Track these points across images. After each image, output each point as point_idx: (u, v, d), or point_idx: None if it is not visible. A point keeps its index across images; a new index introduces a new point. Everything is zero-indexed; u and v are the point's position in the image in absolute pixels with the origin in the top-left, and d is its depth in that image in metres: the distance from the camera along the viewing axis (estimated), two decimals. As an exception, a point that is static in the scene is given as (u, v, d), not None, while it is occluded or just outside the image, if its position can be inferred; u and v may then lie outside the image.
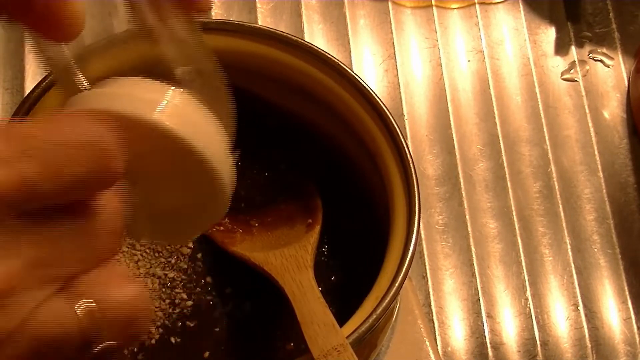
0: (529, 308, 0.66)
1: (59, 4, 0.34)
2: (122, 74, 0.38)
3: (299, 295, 0.49)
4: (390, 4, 0.75)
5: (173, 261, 0.56)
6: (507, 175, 0.70)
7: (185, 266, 0.56)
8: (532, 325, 0.65)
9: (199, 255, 0.57)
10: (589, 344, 0.65)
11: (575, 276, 0.67)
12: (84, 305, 0.30)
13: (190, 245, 0.57)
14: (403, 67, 0.73)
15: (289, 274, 0.51)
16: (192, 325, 0.55)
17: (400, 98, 0.72)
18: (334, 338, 0.46)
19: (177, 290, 0.56)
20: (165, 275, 0.56)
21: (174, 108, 0.35)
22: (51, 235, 0.30)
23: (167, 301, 0.55)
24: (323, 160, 0.60)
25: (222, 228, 0.56)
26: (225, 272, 0.57)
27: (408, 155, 0.52)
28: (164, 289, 0.55)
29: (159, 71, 0.38)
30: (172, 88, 0.36)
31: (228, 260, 0.55)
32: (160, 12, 0.38)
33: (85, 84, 0.37)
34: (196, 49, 0.39)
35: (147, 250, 0.56)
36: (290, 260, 0.52)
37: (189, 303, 0.55)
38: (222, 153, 0.37)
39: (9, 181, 0.28)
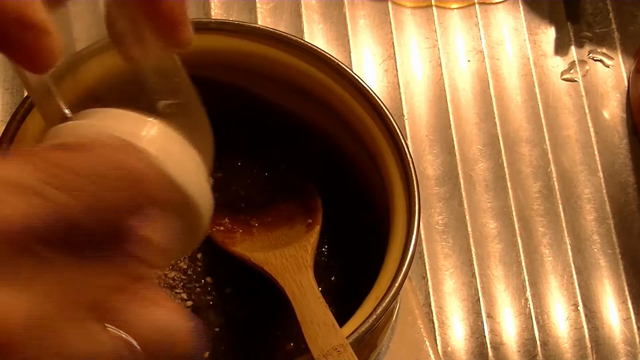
0: (529, 308, 0.66)
1: (34, 37, 0.34)
2: (105, 86, 0.38)
3: (299, 295, 0.49)
4: (390, 4, 0.75)
5: (173, 261, 0.56)
6: (507, 175, 0.70)
7: (185, 266, 0.56)
8: (532, 325, 0.65)
9: (199, 256, 0.57)
10: (589, 344, 0.65)
11: (575, 276, 0.67)
12: (116, 331, 0.30)
13: None
14: (403, 67, 0.73)
15: (289, 274, 0.51)
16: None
17: (400, 98, 0.72)
18: (334, 338, 0.46)
19: (177, 290, 0.56)
20: (165, 275, 0.56)
21: (153, 141, 0.36)
22: (82, 263, 0.29)
23: (167, 301, 0.55)
24: (323, 160, 0.59)
25: (222, 228, 0.56)
26: (225, 272, 0.57)
27: (408, 155, 0.52)
28: (164, 289, 0.55)
29: (139, 92, 0.38)
30: (151, 121, 0.36)
31: (228, 260, 0.55)
32: (143, 45, 0.38)
33: (65, 110, 0.38)
34: (177, 80, 0.40)
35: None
36: (290, 260, 0.52)
37: (189, 303, 0.55)
38: (199, 183, 0.37)
39: (42, 212, 0.28)
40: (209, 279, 0.56)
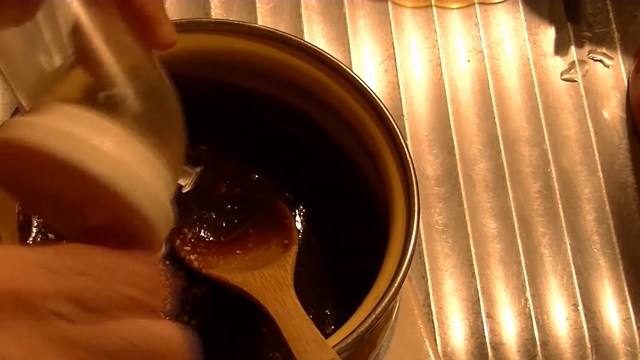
0: (529, 308, 0.65)
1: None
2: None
3: (283, 313, 0.46)
4: (390, 4, 0.75)
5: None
6: (507, 175, 0.69)
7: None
8: (532, 325, 0.65)
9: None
10: (589, 344, 0.65)
11: (575, 276, 0.67)
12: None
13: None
14: (403, 67, 0.72)
15: (270, 293, 0.49)
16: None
17: (400, 98, 0.71)
18: (325, 353, 0.45)
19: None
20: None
21: (106, 152, 0.35)
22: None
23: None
24: (323, 161, 0.60)
25: (197, 251, 0.56)
26: (205, 290, 0.55)
27: (408, 155, 0.52)
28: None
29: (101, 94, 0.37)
30: (108, 127, 0.33)
31: (204, 281, 0.53)
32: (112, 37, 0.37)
33: (23, 102, 0.37)
34: (152, 80, 0.38)
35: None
36: (270, 280, 0.50)
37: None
38: (155, 197, 0.36)
39: (57, 288, 0.31)
40: (189, 296, 0.54)
